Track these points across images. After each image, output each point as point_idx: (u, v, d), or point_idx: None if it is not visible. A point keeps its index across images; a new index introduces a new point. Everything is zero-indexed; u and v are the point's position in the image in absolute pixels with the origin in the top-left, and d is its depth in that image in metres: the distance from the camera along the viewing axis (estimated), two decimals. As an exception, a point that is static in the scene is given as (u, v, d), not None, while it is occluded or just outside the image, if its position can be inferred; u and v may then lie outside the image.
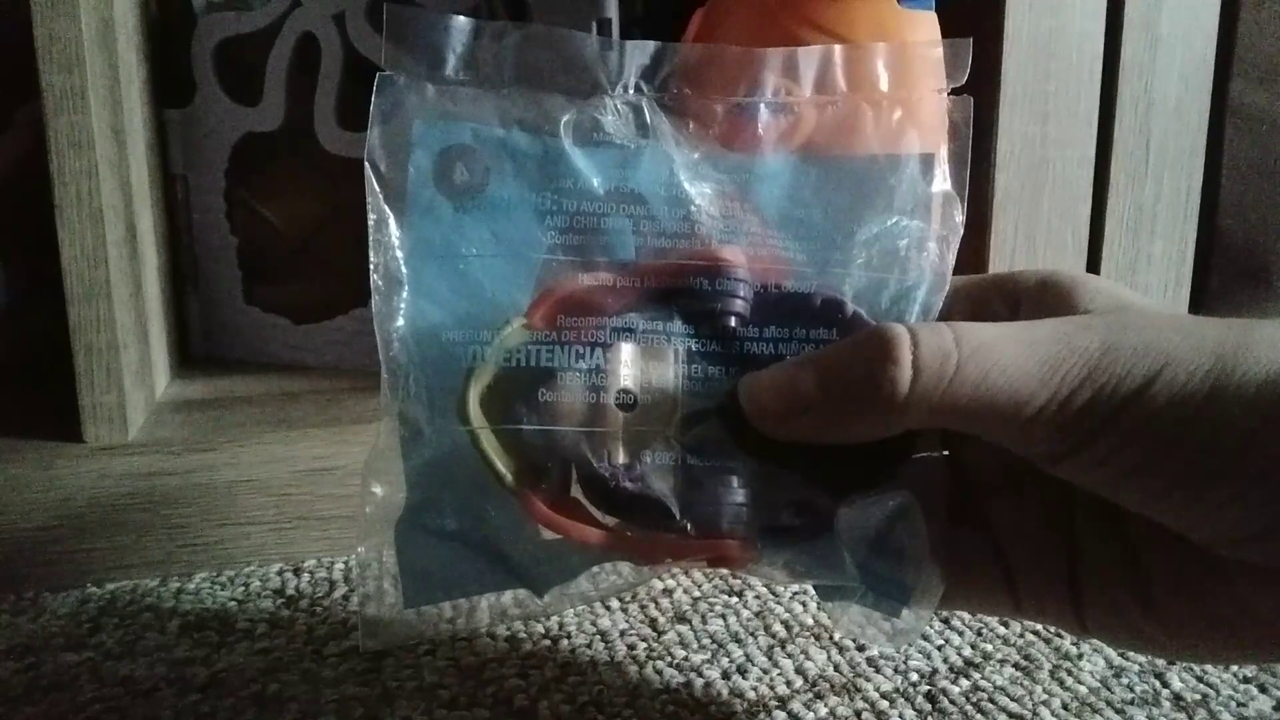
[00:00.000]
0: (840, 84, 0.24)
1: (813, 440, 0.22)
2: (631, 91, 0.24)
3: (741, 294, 0.23)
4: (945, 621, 0.33)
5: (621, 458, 0.22)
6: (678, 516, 0.22)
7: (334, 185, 0.47)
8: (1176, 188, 0.47)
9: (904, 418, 0.20)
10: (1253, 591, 0.20)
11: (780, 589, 0.35)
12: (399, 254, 0.22)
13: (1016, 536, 0.24)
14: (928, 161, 0.24)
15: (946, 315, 0.24)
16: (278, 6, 0.45)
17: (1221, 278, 0.50)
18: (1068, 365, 0.19)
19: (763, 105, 0.24)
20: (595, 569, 0.24)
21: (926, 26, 0.45)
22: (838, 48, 0.23)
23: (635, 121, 0.24)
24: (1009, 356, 0.19)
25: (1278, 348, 0.19)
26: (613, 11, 0.46)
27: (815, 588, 0.25)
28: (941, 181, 0.24)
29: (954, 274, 0.25)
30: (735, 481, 0.22)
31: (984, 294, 0.25)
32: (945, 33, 0.45)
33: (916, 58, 0.23)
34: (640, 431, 0.22)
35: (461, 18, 0.23)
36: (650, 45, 0.24)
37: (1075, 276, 0.23)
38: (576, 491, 0.22)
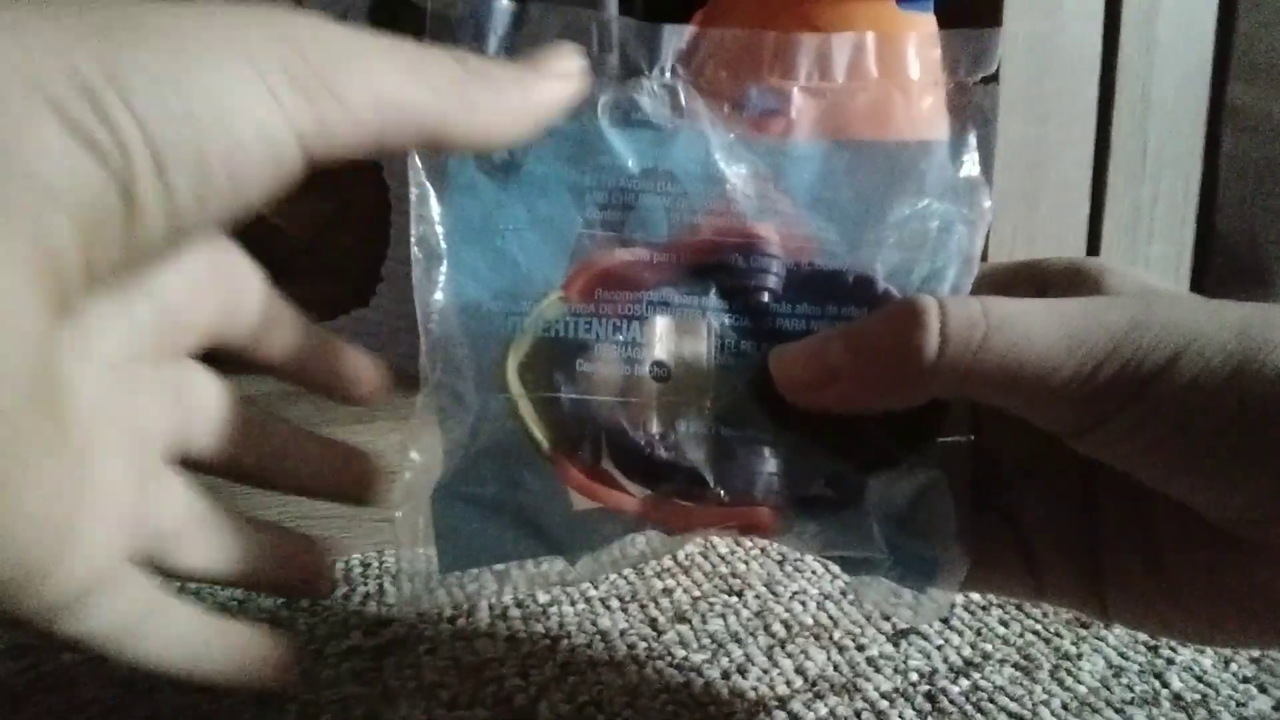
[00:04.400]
0: (872, 70, 0.24)
1: (842, 409, 0.22)
2: (668, 75, 0.24)
3: (775, 270, 0.23)
4: (945, 621, 0.33)
5: (656, 427, 0.23)
6: (711, 484, 0.22)
7: (339, 186, 0.47)
8: (1174, 188, 0.47)
9: (931, 385, 0.20)
10: (1272, 575, 0.20)
11: (780, 588, 0.35)
12: (439, 229, 0.23)
13: (1040, 521, 0.24)
14: (957, 147, 0.24)
15: None
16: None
17: (1219, 278, 0.50)
18: (1094, 339, 0.19)
19: (796, 90, 0.24)
20: (626, 537, 0.24)
21: (925, 28, 0.46)
22: (870, 35, 0.24)
23: (671, 103, 0.24)
24: (1036, 329, 0.19)
25: None
26: (613, 11, 0.46)
27: (841, 562, 0.25)
28: (970, 167, 0.24)
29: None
30: (767, 452, 0.23)
31: (1011, 280, 0.25)
32: (944, 34, 0.45)
33: (947, 46, 0.24)
34: (674, 402, 0.23)
35: (504, 1, 0.23)
36: (686, 29, 0.24)
37: (1102, 264, 0.24)
38: (607, 463, 0.23)
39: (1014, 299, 0.20)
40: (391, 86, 0.18)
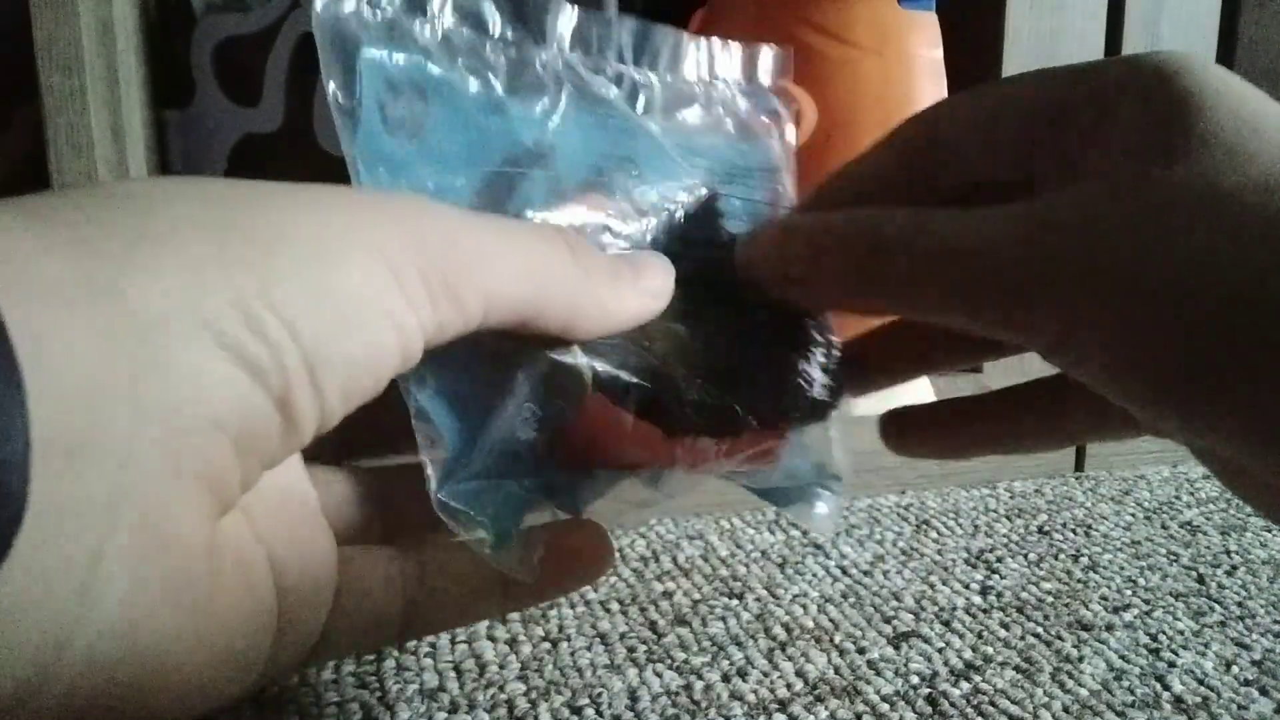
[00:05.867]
0: (703, 73, 0.28)
1: (807, 305, 0.24)
2: (556, 49, 0.25)
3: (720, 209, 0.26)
4: (946, 624, 0.33)
5: (675, 367, 0.23)
6: (740, 412, 0.23)
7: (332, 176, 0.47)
8: (1177, 188, 0.47)
9: (886, 282, 0.20)
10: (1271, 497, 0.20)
11: (780, 591, 0.35)
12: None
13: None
14: (770, 134, 0.28)
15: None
16: (277, 7, 0.45)
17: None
18: (1025, 269, 0.18)
19: (654, 76, 0.27)
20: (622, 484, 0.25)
21: (927, 27, 0.45)
22: (703, 42, 0.27)
23: (559, 78, 0.24)
24: (970, 239, 0.19)
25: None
26: (612, 11, 0.46)
27: (776, 498, 0.27)
28: (782, 157, 0.29)
29: None
30: (769, 370, 0.24)
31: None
32: (946, 33, 0.45)
33: (752, 55, 0.29)
34: (681, 342, 0.23)
35: None
36: (575, 13, 0.25)
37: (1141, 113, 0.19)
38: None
39: (952, 215, 0.20)
40: (502, 286, 0.19)
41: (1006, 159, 0.22)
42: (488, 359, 0.21)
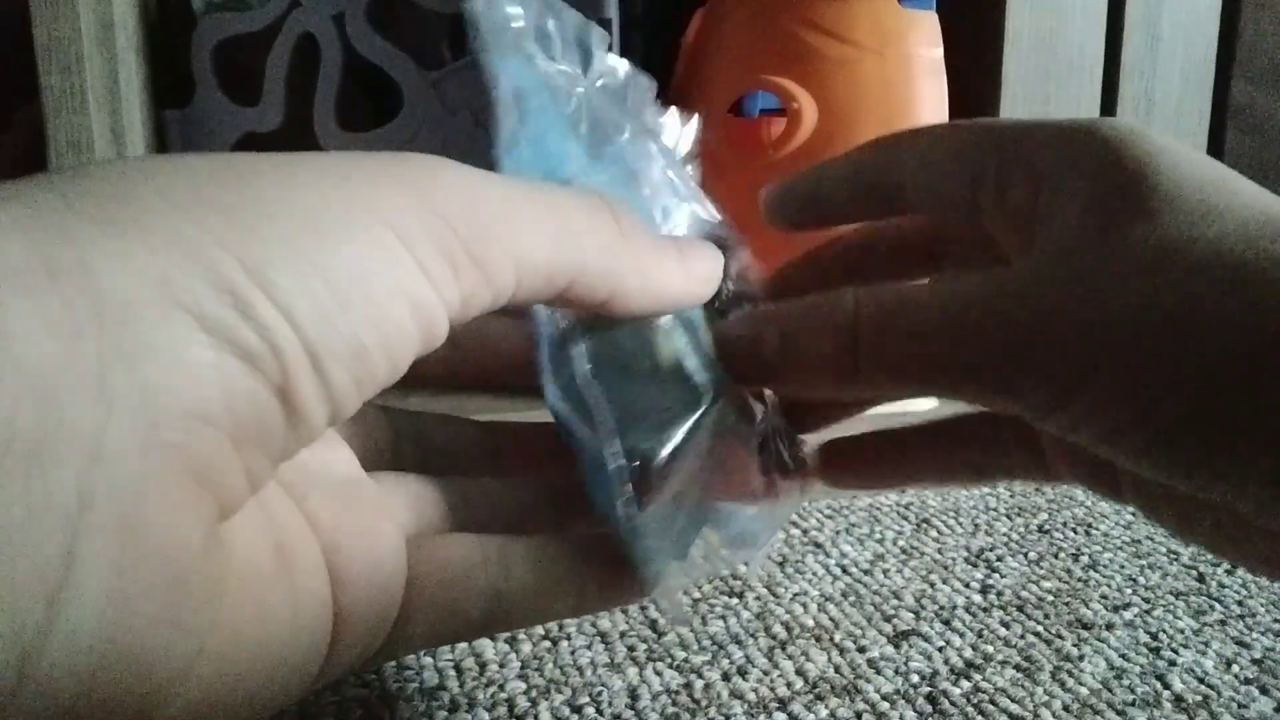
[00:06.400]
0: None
1: (784, 391, 0.24)
2: (590, 82, 0.24)
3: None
4: (946, 623, 0.33)
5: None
6: (788, 459, 0.24)
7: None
8: (1177, 188, 0.47)
9: (861, 366, 0.20)
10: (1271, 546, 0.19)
11: (780, 590, 0.35)
12: None
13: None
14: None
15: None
16: (277, 7, 0.45)
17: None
18: (1014, 336, 0.18)
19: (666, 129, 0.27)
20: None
21: (927, 27, 0.46)
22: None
23: (592, 111, 0.24)
24: (938, 327, 0.19)
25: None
26: (613, 11, 0.46)
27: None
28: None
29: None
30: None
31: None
32: (946, 33, 0.45)
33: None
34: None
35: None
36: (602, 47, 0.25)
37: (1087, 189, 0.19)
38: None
39: (919, 288, 0.20)
40: (534, 250, 0.17)
41: (953, 202, 0.22)
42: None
